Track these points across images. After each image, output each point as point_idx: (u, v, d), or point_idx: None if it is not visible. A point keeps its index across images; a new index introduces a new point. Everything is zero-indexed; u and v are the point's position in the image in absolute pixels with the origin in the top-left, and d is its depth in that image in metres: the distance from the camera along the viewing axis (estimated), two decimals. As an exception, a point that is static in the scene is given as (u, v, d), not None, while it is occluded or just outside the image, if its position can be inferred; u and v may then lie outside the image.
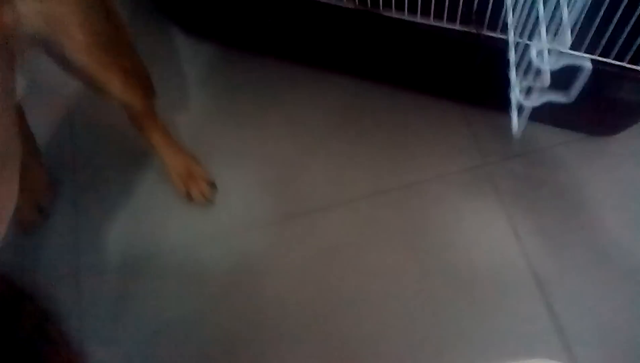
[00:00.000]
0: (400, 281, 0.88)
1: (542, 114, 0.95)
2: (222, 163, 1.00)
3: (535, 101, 0.43)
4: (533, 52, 0.36)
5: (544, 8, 0.38)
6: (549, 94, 0.43)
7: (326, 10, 0.81)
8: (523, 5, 0.49)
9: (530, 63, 0.39)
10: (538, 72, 0.43)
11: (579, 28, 0.69)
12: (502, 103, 0.98)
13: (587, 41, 0.71)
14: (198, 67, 1.09)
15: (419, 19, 0.77)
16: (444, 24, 0.76)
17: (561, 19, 0.37)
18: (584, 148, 0.96)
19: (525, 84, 0.43)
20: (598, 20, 0.69)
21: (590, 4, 0.64)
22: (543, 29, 0.39)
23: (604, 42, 0.71)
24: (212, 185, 0.97)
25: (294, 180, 0.98)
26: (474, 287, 0.87)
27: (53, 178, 0.97)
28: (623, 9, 0.66)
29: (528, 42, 0.42)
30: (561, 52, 0.40)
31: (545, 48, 0.36)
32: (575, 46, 0.72)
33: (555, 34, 0.39)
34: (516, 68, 0.45)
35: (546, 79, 0.40)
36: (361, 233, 0.92)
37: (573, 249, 0.89)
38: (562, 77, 0.42)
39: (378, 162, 0.98)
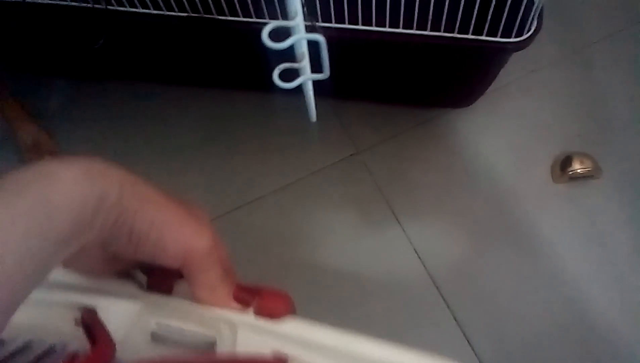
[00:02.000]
0: (286, 285, 0.86)
1: (402, 97, 0.97)
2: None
3: (291, 84, 0.42)
4: (265, 33, 0.35)
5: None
6: (306, 75, 0.43)
7: (157, 24, 0.78)
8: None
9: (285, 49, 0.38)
10: (294, 54, 0.42)
11: (411, 3, 0.70)
12: (361, 91, 0.99)
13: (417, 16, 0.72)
14: (54, 102, 1.03)
15: (253, 18, 0.76)
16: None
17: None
18: (447, 122, 0.98)
19: (283, 66, 0.42)
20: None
21: None
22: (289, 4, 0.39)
23: (431, 16, 0.73)
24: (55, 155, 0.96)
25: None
26: (363, 275, 0.86)
27: None
28: None
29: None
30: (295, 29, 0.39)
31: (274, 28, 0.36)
32: (408, 23, 0.73)
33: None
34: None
35: (299, 56, 0.40)
36: (244, 241, 0.90)
37: (449, 221, 0.90)
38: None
39: (252, 169, 0.96)
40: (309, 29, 0.40)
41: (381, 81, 0.90)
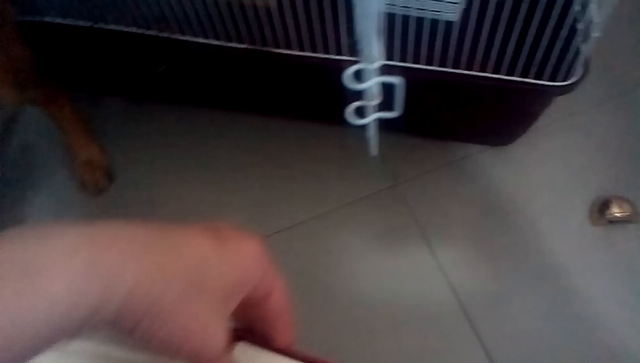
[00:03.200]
0: (321, 313, 0.88)
1: (445, 132, 1.00)
2: (137, 212, 0.98)
3: (367, 120, 0.45)
4: (349, 72, 0.38)
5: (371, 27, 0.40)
6: (379, 112, 0.46)
7: (217, 54, 0.82)
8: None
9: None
10: (368, 93, 0.45)
11: (460, 45, 0.73)
12: (405, 124, 1.02)
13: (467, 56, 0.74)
14: (109, 121, 1.08)
15: (308, 53, 0.80)
16: (331, 55, 0.79)
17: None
18: (486, 159, 1.00)
19: (357, 103, 0.45)
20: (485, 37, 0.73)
21: (477, 20, 0.68)
22: (366, 48, 0.41)
23: (479, 56, 0.75)
24: (109, 177, 1.00)
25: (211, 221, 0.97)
26: (397, 307, 0.88)
27: None
28: (509, 20, 0.70)
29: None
30: (377, 71, 0.42)
31: (361, 66, 0.38)
32: (456, 62, 0.76)
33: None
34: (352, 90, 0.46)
35: (372, 96, 0.42)
36: (280, 265, 0.92)
37: (485, 257, 0.92)
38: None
39: (293, 195, 0.99)
40: (384, 70, 0.43)
41: (425, 116, 0.93)
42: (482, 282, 0.89)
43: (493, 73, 0.76)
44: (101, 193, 0.99)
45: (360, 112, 0.47)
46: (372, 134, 0.56)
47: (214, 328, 0.27)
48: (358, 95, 0.48)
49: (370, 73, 0.42)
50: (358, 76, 0.39)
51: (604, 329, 0.84)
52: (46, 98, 0.91)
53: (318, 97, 0.95)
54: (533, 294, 0.88)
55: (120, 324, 0.23)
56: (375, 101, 0.45)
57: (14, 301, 0.20)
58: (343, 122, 1.01)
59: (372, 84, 0.41)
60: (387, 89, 0.45)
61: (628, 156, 0.98)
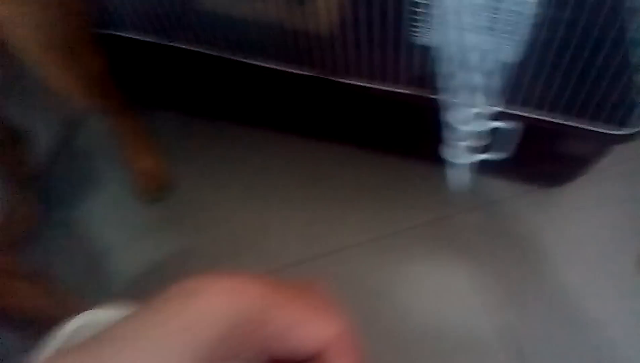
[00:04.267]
0: (366, 336, 0.89)
1: (496, 169, 1.00)
2: (189, 224, 1.01)
3: (472, 159, 0.46)
4: (460, 115, 0.39)
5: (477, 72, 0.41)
6: (487, 153, 0.47)
7: (282, 77, 0.85)
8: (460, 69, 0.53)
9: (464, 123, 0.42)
10: (473, 132, 0.46)
11: (526, 86, 0.74)
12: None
13: (532, 99, 0.75)
14: (166, 136, 1.11)
15: (372, 83, 0.82)
16: (398, 88, 0.81)
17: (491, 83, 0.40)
18: (538, 199, 1.00)
19: (462, 144, 0.46)
20: (544, 78, 0.74)
21: (537, 63, 0.70)
22: (473, 94, 0.43)
23: (549, 99, 0.76)
24: (166, 189, 1.03)
25: (263, 239, 0.99)
26: (442, 341, 0.88)
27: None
28: (568, 65, 0.71)
29: (456, 102, 0.45)
30: (490, 115, 0.43)
31: (473, 111, 0.40)
32: (518, 103, 0.77)
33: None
34: (451, 128, 0.48)
35: (479, 139, 0.43)
36: (329, 287, 0.93)
37: (530, 298, 0.92)
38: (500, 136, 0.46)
39: (344, 219, 1.01)
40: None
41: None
42: (525, 321, 0.89)
43: (562, 117, 0.76)
44: (156, 203, 1.02)
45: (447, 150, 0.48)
46: (468, 173, 0.56)
47: (333, 313, 0.34)
48: (436, 130, 0.49)
49: (483, 117, 0.44)
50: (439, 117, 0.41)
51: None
52: (113, 108, 0.94)
53: (378, 127, 0.97)
54: (575, 338, 0.88)
55: (260, 321, 0.30)
56: (482, 143, 0.46)
57: (178, 314, 0.28)
58: (399, 151, 1.03)
59: (485, 128, 0.42)
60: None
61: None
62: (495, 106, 0.42)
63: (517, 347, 0.87)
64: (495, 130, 0.47)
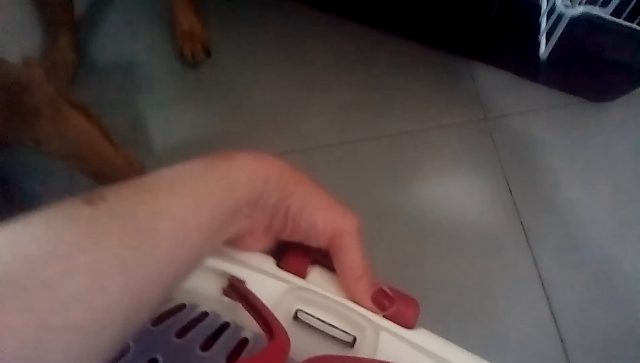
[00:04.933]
0: (388, 222, 0.90)
1: (545, 76, 0.98)
2: (227, 94, 1.00)
3: (576, 10, 0.44)
4: None
5: None
6: (589, 7, 0.45)
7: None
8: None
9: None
10: None
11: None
12: (507, 61, 1.00)
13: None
14: (209, 3, 1.09)
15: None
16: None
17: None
18: (580, 112, 0.99)
19: None
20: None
21: None
22: None
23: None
24: (207, 52, 1.02)
25: (297, 117, 0.99)
26: (463, 234, 0.90)
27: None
28: None
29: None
30: None
31: None
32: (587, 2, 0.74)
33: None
34: None
35: None
36: (358, 172, 0.94)
37: (560, 208, 0.92)
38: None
39: (382, 107, 1.00)
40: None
41: (533, 55, 0.91)
42: (552, 228, 0.90)
43: (623, 19, 0.74)
44: (197, 65, 1.01)
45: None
46: (558, 31, 0.54)
47: (347, 208, 0.35)
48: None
49: None
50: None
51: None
52: None
53: (429, 15, 0.94)
54: (600, 251, 0.89)
55: (278, 196, 0.33)
56: None
57: (227, 173, 0.31)
58: (445, 46, 1.01)
59: None
60: None
61: None
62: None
63: (533, 250, 0.88)
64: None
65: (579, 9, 0.44)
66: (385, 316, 0.34)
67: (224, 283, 0.34)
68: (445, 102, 1.00)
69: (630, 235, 0.90)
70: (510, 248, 0.89)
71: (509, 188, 0.93)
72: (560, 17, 0.49)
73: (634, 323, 0.84)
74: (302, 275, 0.35)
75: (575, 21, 0.77)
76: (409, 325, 0.34)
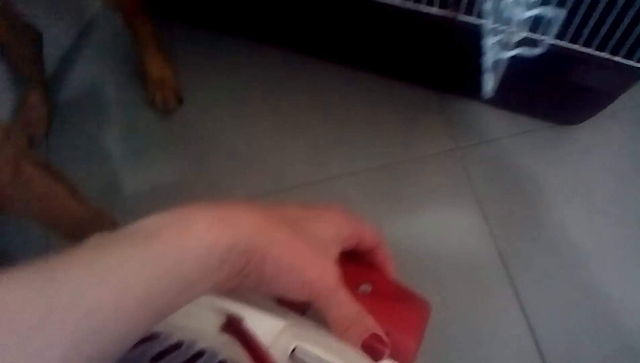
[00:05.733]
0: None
1: (513, 103, 1.00)
2: (198, 140, 1.01)
3: (509, 53, 0.45)
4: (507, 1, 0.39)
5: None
6: (522, 49, 0.46)
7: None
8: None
9: (503, 16, 0.42)
10: (513, 26, 0.45)
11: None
12: (474, 90, 1.02)
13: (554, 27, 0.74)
14: (182, 49, 1.10)
15: (396, 2, 0.80)
16: (421, 6, 0.79)
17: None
18: (549, 136, 1.00)
19: (499, 37, 0.46)
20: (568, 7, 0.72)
21: None
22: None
23: (572, 28, 0.75)
24: (179, 99, 1.03)
25: (271, 158, 1.00)
26: (441, 266, 0.90)
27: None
28: None
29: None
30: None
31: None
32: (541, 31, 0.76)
33: None
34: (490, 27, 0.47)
35: (520, 26, 0.43)
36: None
37: (536, 233, 0.93)
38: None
39: (355, 144, 1.01)
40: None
41: (499, 84, 0.93)
42: (529, 253, 0.90)
43: (584, 46, 0.75)
44: (169, 113, 1.02)
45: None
46: (498, 74, 0.56)
47: (326, 262, 0.33)
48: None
49: (523, 5, 0.43)
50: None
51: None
52: (132, 8, 0.93)
53: (396, 50, 0.96)
54: (578, 273, 0.89)
55: (246, 260, 0.29)
56: (519, 35, 0.45)
57: (174, 244, 0.27)
58: (414, 79, 1.03)
59: (538, 13, 0.42)
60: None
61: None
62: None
63: (511, 276, 0.89)
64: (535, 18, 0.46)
65: (513, 52, 0.45)
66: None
67: (222, 319, 0.33)
68: (417, 134, 1.01)
69: (609, 256, 0.90)
70: (489, 277, 0.89)
71: (484, 217, 0.93)
72: (497, 59, 0.50)
73: (618, 347, 0.84)
74: (302, 310, 0.35)
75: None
76: (411, 356, 0.34)
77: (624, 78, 0.81)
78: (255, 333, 0.32)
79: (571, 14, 0.72)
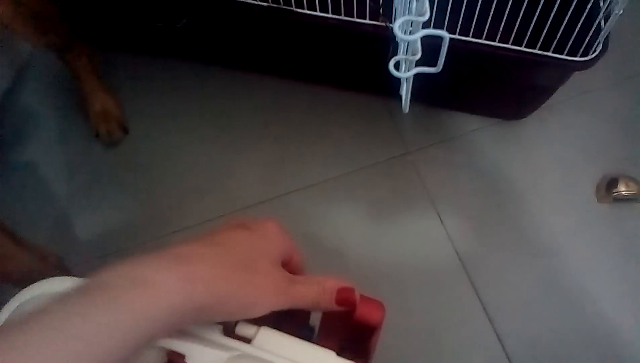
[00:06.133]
0: (325, 271, 0.90)
1: (458, 103, 1.00)
2: (148, 167, 1.00)
3: (408, 73, 0.46)
4: (396, 25, 0.39)
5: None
6: (421, 67, 0.47)
7: (238, 10, 0.82)
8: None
9: (405, 41, 0.42)
10: (412, 47, 0.46)
11: (484, 15, 0.73)
12: (419, 93, 1.02)
13: (488, 27, 0.75)
14: (123, 77, 1.08)
15: (330, 15, 0.80)
16: (354, 19, 0.79)
17: None
18: (497, 132, 1.01)
19: (399, 57, 0.46)
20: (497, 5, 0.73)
21: None
22: (409, 5, 0.42)
23: (506, 28, 0.76)
24: (124, 129, 1.01)
25: (223, 181, 0.98)
26: (401, 272, 0.90)
27: None
28: None
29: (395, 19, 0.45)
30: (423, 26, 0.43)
31: (406, 20, 0.39)
32: (478, 32, 0.77)
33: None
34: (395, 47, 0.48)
35: (417, 50, 0.43)
36: (291, 224, 0.93)
37: (492, 229, 0.93)
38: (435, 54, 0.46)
39: (305, 158, 1.00)
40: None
41: (440, 85, 0.93)
42: (486, 251, 0.91)
43: (513, 45, 0.76)
44: (115, 144, 1.00)
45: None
46: (407, 91, 0.57)
47: (276, 275, 0.36)
48: (387, 54, 0.49)
49: (417, 26, 0.43)
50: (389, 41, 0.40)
51: (604, 302, 0.87)
52: (65, 44, 0.91)
53: (337, 62, 0.95)
54: (535, 265, 0.90)
55: (202, 313, 0.30)
56: (417, 56, 0.45)
57: (140, 308, 0.27)
58: (359, 87, 1.03)
59: (423, 35, 0.42)
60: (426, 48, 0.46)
61: (638, 137, 1.00)
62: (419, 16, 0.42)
63: (471, 277, 0.89)
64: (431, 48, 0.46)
65: (412, 71, 0.46)
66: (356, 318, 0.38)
67: (163, 357, 0.34)
68: (367, 142, 1.01)
69: (564, 247, 0.91)
70: (450, 278, 0.89)
71: (440, 219, 0.94)
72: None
73: (583, 337, 0.85)
74: (249, 338, 0.35)
75: (473, 51, 0.79)
76: (377, 323, 0.38)
77: (559, 72, 0.82)
78: None
79: (498, 14, 0.73)
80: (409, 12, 0.42)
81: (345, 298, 0.38)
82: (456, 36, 0.76)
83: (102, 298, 0.26)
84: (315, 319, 0.42)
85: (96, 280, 0.28)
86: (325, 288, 0.38)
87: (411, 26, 0.46)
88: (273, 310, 0.34)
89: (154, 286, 0.28)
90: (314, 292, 0.37)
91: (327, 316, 0.42)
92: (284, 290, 0.35)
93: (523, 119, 1.01)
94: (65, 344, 0.24)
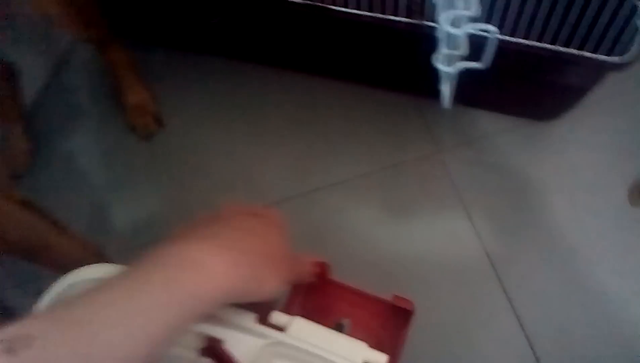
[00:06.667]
0: (353, 267, 0.90)
1: (490, 102, 1.00)
2: (182, 160, 1.02)
3: (455, 68, 0.46)
4: (442, 19, 0.39)
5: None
6: (467, 63, 0.47)
7: (273, 6, 0.84)
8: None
9: (451, 36, 0.42)
10: (456, 42, 0.46)
11: (520, 13, 0.73)
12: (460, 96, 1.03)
13: (524, 25, 0.75)
14: (159, 71, 1.11)
15: (363, 12, 0.81)
16: (388, 16, 0.80)
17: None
18: (528, 133, 1.00)
19: (446, 52, 0.46)
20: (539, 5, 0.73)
21: None
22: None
23: (542, 26, 0.76)
24: (159, 122, 1.03)
25: (254, 175, 1.00)
26: (430, 271, 0.90)
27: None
28: None
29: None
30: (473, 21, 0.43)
31: (456, 16, 0.40)
32: (513, 30, 0.77)
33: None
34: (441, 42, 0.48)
35: (463, 45, 0.44)
36: (320, 221, 0.95)
37: (522, 230, 0.93)
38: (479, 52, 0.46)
39: (335, 154, 1.01)
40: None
41: (474, 84, 0.93)
42: (516, 251, 0.91)
43: (550, 44, 0.76)
44: (150, 137, 1.02)
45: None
46: (452, 85, 0.57)
47: (286, 253, 0.40)
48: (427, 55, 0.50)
49: (460, 21, 0.44)
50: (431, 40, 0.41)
51: (635, 308, 0.86)
52: (105, 38, 0.94)
53: (368, 59, 0.96)
54: (564, 267, 0.89)
55: (244, 294, 0.32)
56: (461, 51, 0.46)
57: (193, 291, 0.28)
58: (389, 85, 1.03)
59: (470, 31, 0.42)
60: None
61: (673, 140, 0.98)
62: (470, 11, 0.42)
63: (500, 276, 0.89)
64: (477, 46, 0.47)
65: (459, 66, 0.46)
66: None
67: (202, 343, 0.35)
68: (397, 140, 1.02)
69: (594, 249, 0.90)
70: (478, 278, 0.89)
71: (470, 218, 0.94)
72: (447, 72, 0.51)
73: (611, 339, 0.84)
74: (283, 327, 0.37)
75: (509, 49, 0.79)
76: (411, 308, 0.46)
77: (594, 72, 0.81)
78: (234, 355, 0.33)
79: (535, 12, 0.73)
80: (453, 7, 0.43)
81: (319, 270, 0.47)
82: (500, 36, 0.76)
83: (159, 277, 0.28)
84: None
85: (152, 259, 0.29)
86: (309, 263, 0.46)
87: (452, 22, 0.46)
88: (283, 288, 0.37)
89: (206, 269, 0.29)
90: (307, 268, 0.45)
91: (358, 313, 0.47)
92: (291, 269, 0.40)
93: (555, 120, 1.00)
94: (128, 319, 0.26)
